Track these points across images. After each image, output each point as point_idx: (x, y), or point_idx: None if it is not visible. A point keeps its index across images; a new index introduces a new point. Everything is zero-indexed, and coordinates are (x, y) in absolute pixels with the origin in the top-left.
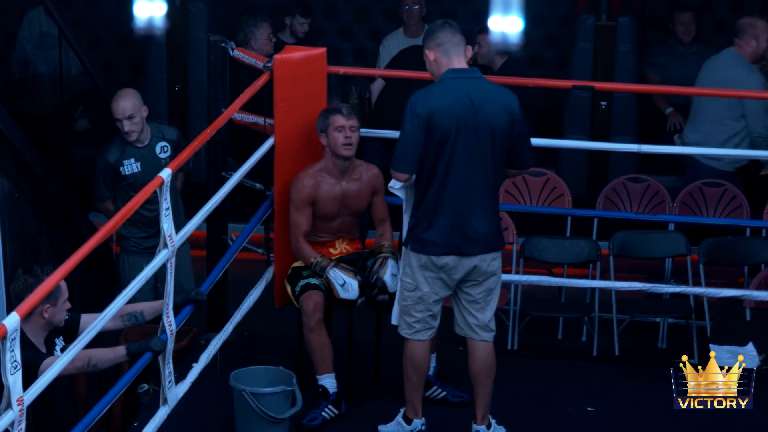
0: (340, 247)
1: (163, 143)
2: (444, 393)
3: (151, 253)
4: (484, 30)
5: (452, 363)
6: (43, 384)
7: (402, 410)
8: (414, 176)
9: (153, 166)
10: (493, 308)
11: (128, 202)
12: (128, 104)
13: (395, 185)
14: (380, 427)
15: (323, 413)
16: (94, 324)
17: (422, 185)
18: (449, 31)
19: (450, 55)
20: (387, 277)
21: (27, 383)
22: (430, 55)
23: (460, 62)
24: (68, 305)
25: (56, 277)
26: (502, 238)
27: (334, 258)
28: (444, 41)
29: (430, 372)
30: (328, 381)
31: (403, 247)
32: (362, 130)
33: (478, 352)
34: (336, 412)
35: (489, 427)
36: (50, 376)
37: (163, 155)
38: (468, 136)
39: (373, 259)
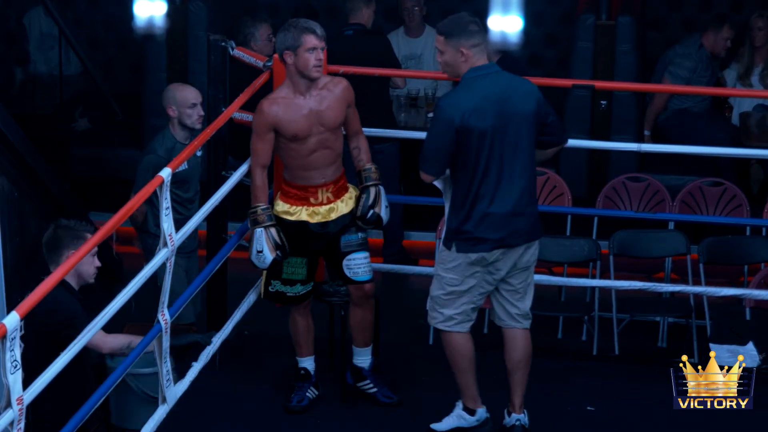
0: (323, 196)
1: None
2: (375, 390)
3: (182, 253)
4: None
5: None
6: (42, 383)
7: (459, 403)
8: (448, 170)
9: (194, 163)
10: (531, 295)
11: (128, 201)
12: (197, 91)
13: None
14: (434, 426)
15: (307, 394)
16: (94, 322)
17: (464, 185)
18: (482, 31)
19: (480, 53)
20: (382, 212)
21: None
22: (464, 51)
23: (484, 60)
24: (98, 263)
25: (56, 276)
26: (541, 225)
27: (307, 208)
28: (479, 42)
29: (366, 365)
30: (310, 363)
31: (442, 245)
32: None
33: (518, 340)
34: (317, 392)
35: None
36: (50, 375)
37: (198, 152)
38: (504, 130)
39: (364, 192)
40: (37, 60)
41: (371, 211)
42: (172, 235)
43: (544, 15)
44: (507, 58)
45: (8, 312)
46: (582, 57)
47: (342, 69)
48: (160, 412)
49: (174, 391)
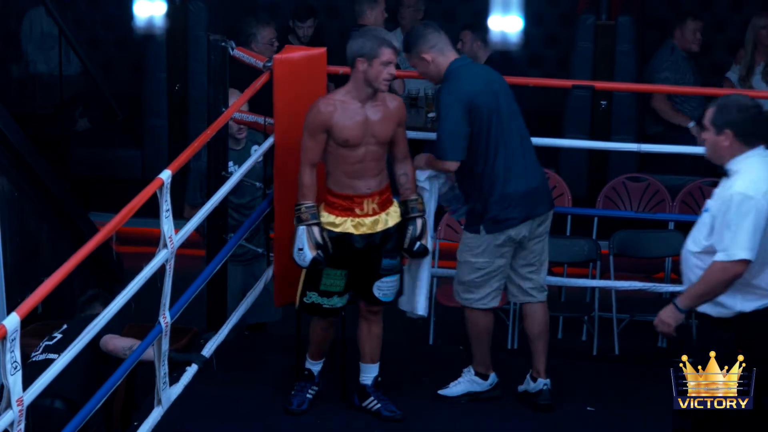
0: (368, 207)
1: (256, 146)
2: (378, 405)
3: (240, 262)
4: (468, 27)
5: (454, 362)
6: (43, 383)
7: (470, 369)
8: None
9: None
10: (546, 267)
11: (127, 204)
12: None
13: (420, 177)
14: (442, 391)
15: (308, 395)
16: (94, 323)
17: (480, 166)
18: (435, 31)
19: (445, 51)
20: (429, 243)
21: None
22: (427, 57)
23: (454, 54)
24: None
25: (58, 277)
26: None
27: (353, 219)
28: (436, 42)
29: (369, 382)
30: (317, 367)
31: (467, 231)
32: None
33: (536, 313)
34: (316, 389)
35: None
36: (50, 376)
37: (256, 149)
38: (506, 108)
39: (410, 223)
40: (37, 60)
41: (418, 243)
42: (172, 237)
43: (544, 15)
44: (492, 54)
45: (8, 313)
46: (582, 57)
47: (342, 70)
48: (155, 415)
49: (169, 393)
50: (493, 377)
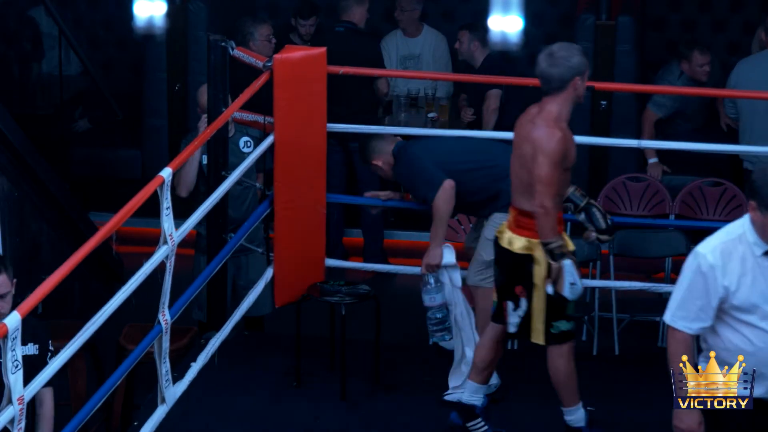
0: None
1: (247, 138)
2: (486, 428)
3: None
4: (465, 27)
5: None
6: (42, 381)
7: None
8: None
9: (235, 159)
10: None
11: (128, 202)
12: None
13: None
14: (448, 396)
15: None
16: (92, 321)
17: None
18: (377, 138)
19: (383, 149)
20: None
21: None
22: (378, 163)
23: (387, 146)
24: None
25: (58, 276)
26: None
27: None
28: (378, 146)
29: (480, 403)
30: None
31: (497, 213)
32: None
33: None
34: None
35: None
36: (50, 373)
37: (246, 149)
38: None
39: (590, 208)
40: None
41: (609, 219)
42: (173, 234)
43: (544, 15)
44: (488, 56)
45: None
46: None
47: (342, 70)
48: (159, 413)
49: (173, 391)
50: (495, 378)
